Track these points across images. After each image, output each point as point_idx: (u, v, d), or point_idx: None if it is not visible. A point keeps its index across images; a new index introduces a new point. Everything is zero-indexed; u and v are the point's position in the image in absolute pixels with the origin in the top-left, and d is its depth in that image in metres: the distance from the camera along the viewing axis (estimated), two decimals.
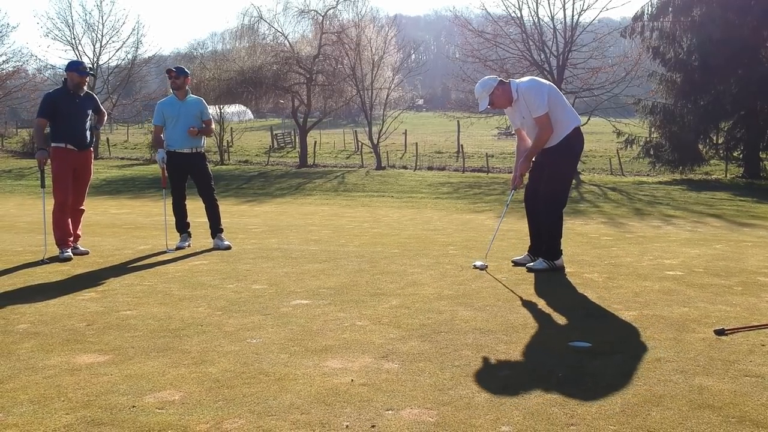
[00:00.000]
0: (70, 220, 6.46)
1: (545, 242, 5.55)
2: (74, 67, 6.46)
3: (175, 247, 6.77)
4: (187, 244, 6.88)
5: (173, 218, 6.97)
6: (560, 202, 5.51)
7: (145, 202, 15.94)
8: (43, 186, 6.64)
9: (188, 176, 6.91)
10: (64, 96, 6.36)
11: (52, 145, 6.36)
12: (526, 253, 5.81)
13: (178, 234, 6.98)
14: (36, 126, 6.50)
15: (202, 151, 6.99)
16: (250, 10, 32.58)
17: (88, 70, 6.62)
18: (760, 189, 19.36)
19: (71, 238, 6.42)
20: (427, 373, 3.07)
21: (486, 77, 5.59)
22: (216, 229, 6.93)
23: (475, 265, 5.64)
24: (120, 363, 3.20)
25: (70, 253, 6.25)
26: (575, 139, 5.40)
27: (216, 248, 6.76)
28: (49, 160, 6.35)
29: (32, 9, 68.76)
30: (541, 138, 5.30)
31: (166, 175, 6.92)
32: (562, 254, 5.58)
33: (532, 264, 5.54)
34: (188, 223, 7.00)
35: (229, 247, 6.77)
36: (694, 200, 15.81)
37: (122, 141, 41.47)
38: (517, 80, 5.50)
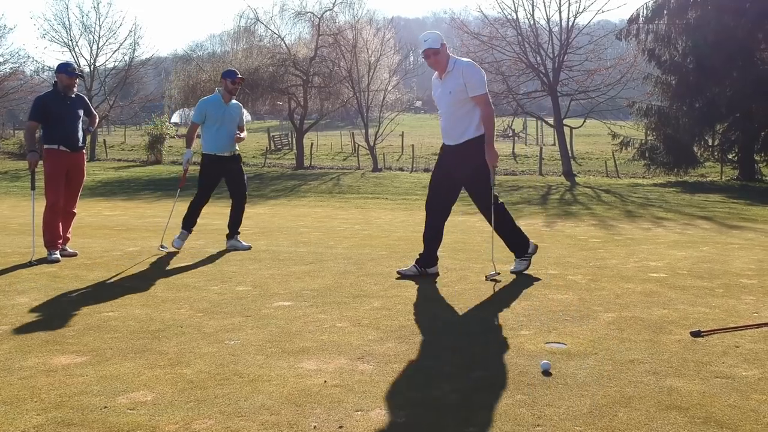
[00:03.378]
0: (60, 222, 6.49)
1: (512, 242, 5.44)
2: (63, 68, 6.49)
3: (172, 243, 6.81)
4: (182, 243, 6.89)
5: (175, 216, 6.98)
6: (489, 196, 5.26)
7: (139, 203, 15.94)
8: (33, 188, 6.66)
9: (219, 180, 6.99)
10: (55, 98, 6.39)
11: (45, 146, 6.38)
12: (414, 266, 5.45)
13: (180, 229, 6.94)
14: (27, 129, 6.54)
15: (239, 153, 7.10)
16: (246, 12, 32.75)
17: (77, 71, 6.66)
18: (754, 191, 19.39)
19: (60, 241, 6.44)
20: (401, 374, 3.09)
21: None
22: (236, 231, 7.04)
23: (487, 277, 5.30)
24: (96, 364, 3.22)
25: (59, 255, 6.27)
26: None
27: (234, 249, 6.84)
28: (40, 162, 6.38)
29: (29, 10, 68.52)
30: (488, 116, 5.11)
31: (187, 177, 6.93)
32: (528, 240, 5.51)
33: (513, 268, 5.48)
34: (195, 223, 7.03)
35: (249, 248, 6.87)
36: (687, 202, 15.83)
37: (119, 143, 41.48)
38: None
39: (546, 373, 3.00)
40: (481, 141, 5.16)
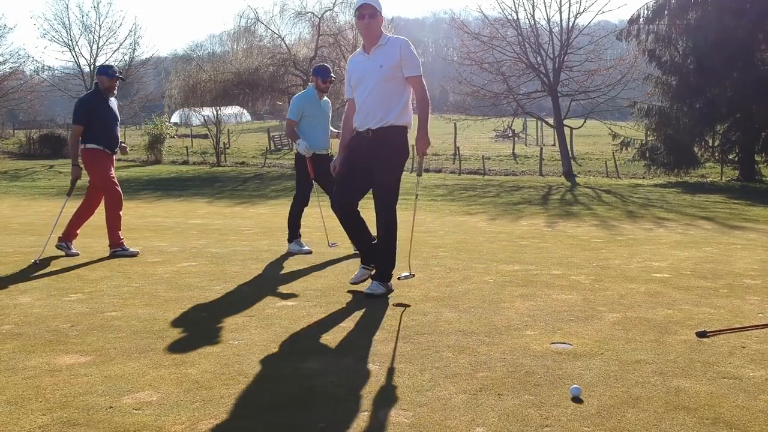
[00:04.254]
0: (76, 218, 6.59)
1: (384, 251, 4.71)
2: (104, 71, 6.59)
3: (301, 249, 6.62)
4: (302, 247, 6.71)
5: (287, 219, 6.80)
6: (396, 195, 4.75)
7: (140, 203, 15.92)
8: (69, 194, 6.69)
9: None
10: (98, 100, 6.49)
11: (89, 146, 6.44)
12: (362, 265, 4.92)
13: (288, 243, 6.74)
14: (73, 133, 6.50)
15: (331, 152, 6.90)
16: (246, 12, 32.69)
17: (118, 73, 6.70)
18: (754, 191, 19.41)
19: (123, 239, 6.57)
20: (407, 375, 3.08)
21: None
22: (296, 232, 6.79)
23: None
24: (101, 364, 3.21)
25: (134, 250, 6.51)
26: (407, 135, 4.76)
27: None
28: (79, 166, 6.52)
29: (29, 10, 68.55)
30: (426, 99, 4.62)
31: (303, 172, 6.66)
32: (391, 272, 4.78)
33: (369, 289, 4.67)
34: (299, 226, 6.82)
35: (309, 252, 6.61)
36: (687, 203, 15.84)
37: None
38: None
39: (576, 399, 2.78)
40: (403, 132, 4.64)
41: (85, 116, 6.36)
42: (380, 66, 4.55)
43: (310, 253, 6.61)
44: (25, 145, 33.13)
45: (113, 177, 6.56)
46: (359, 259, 5.92)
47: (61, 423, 2.52)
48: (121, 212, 6.59)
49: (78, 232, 6.70)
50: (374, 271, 4.79)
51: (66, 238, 6.53)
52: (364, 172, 4.68)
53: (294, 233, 6.75)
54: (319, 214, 6.82)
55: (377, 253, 4.76)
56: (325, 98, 6.76)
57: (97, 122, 6.41)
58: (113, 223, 6.51)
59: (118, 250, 6.43)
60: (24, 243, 7.47)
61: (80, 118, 6.37)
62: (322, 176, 6.57)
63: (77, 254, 6.48)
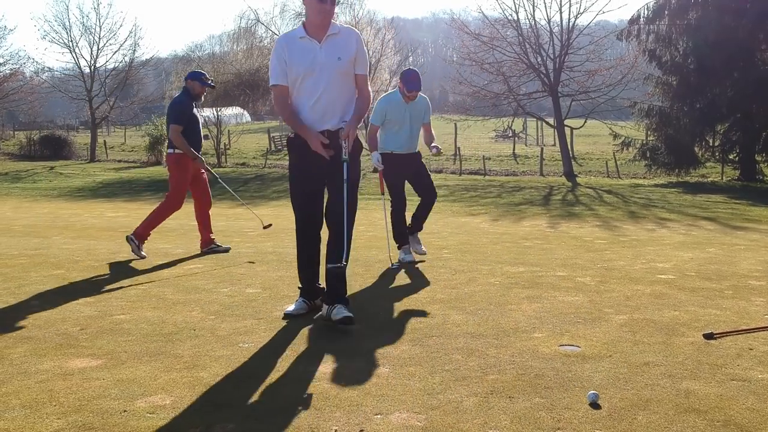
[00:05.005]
0: (203, 221, 6.95)
1: (345, 248, 4.21)
2: (198, 76, 6.74)
3: (398, 261, 6.15)
4: (411, 255, 6.28)
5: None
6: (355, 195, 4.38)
7: (141, 204, 15.92)
8: (214, 178, 6.90)
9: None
10: (190, 104, 6.65)
11: (177, 150, 6.59)
12: (301, 299, 4.38)
13: (398, 246, 6.32)
14: (176, 132, 6.53)
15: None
16: (247, 13, 32.73)
17: (210, 82, 6.83)
18: (755, 192, 19.42)
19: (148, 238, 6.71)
20: (417, 377, 3.09)
21: None
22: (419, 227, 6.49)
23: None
24: (112, 367, 3.22)
25: (144, 253, 6.53)
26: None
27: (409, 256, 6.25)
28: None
29: (29, 11, 68.62)
30: (369, 98, 4.28)
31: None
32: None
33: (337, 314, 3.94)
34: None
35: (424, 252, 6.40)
36: (689, 203, 15.85)
37: (119, 143, 41.43)
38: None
39: (594, 404, 2.75)
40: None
41: (183, 117, 6.52)
42: (338, 58, 4.04)
43: (424, 253, 6.38)
44: (26, 146, 33.12)
45: (204, 176, 6.89)
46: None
47: (77, 427, 2.54)
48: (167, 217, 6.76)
49: (150, 233, 6.71)
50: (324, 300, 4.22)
51: (138, 238, 6.55)
52: (322, 177, 4.27)
53: (404, 239, 6.32)
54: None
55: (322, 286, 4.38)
56: (421, 95, 6.28)
57: (188, 126, 6.55)
58: (154, 222, 6.63)
59: (138, 244, 6.48)
60: (28, 245, 7.48)
61: (180, 119, 6.53)
62: (397, 178, 6.32)
63: (144, 257, 6.48)
